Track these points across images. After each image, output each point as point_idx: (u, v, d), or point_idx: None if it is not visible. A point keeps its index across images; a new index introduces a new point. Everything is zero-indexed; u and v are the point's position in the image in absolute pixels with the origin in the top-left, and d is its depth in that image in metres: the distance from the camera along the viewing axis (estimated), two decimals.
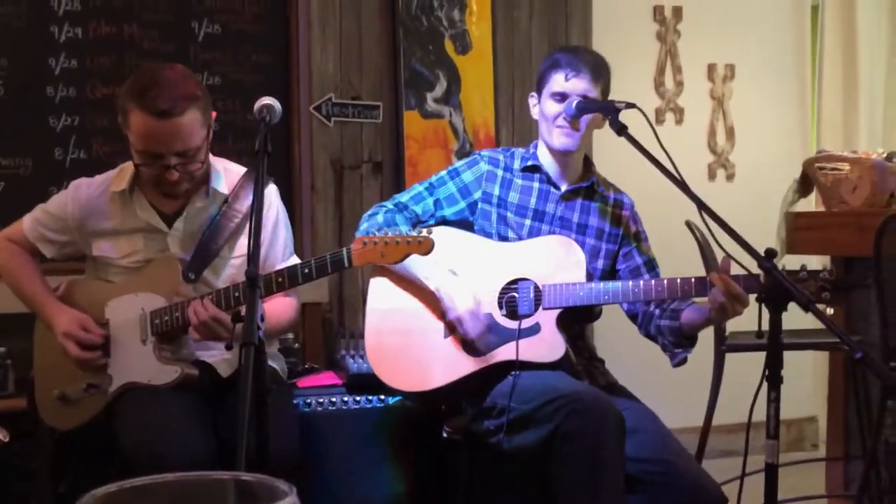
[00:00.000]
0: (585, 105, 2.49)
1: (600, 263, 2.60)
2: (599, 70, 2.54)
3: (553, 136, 2.55)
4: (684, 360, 2.50)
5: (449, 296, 2.45)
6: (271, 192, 2.56)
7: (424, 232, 2.20)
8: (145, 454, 2.14)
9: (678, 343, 2.47)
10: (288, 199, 3.67)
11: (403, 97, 3.84)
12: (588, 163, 2.68)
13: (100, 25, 3.51)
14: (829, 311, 2.14)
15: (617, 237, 2.63)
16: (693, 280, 2.32)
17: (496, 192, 2.61)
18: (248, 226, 2.43)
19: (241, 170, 2.58)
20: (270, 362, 2.46)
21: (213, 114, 2.42)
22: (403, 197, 2.65)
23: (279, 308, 2.53)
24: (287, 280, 2.29)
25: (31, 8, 3.43)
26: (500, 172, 2.63)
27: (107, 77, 3.48)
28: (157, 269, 2.44)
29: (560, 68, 2.52)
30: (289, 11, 3.72)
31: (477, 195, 2.62)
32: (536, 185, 2.62)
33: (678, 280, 2.33)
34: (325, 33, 3.77)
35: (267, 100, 2.12)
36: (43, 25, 3.44)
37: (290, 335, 3.33)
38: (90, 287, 2.53)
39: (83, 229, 2.50)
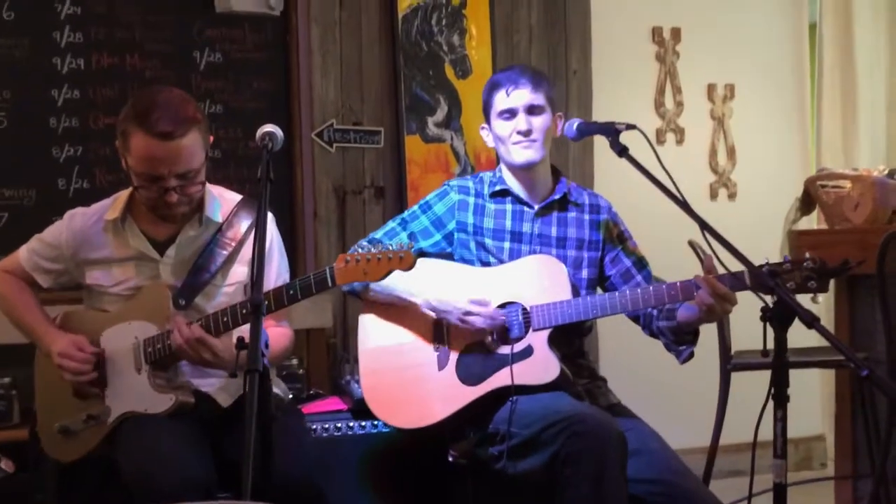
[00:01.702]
0: (586, 127, 2.50)
1: (585, 273, 2.59)
2: (538, 79, 2.58)
3: (513, 154, 2.55)
4: (691, 356, 2.49)
5: (441, 302, 2.44)
6: (266, 220, 2.56)
7: (406, 248, 2.19)
8: (143, 480, 2.13)
9: (680, 340, 2.46)
10: (290, 225, 3.70)
11: (404, 122, 3.85)
12: (556, 173, 2.68)
13: (102, 56, 3.53)
14: (820, 299, 2.13)
15: (598, 244, 2.62)
16: (679, 284, 2.33)
17: (470, 220, 2.62)
18: (240, 253, 2.47)
19: (237, 197, 2.58)
20: (275, 390, 2.46)
21: (211, 138, 2.44)
22: (378, 233, 2.66)
23: (273, 338, 2.53)
24: (273, 302, 2.28)
25: (33, 40, 3.45)
26: (471, 200, 2.63)
27: (109, 107, 3.50)
28: (147, 297, 2.44)
29: (500, 87, 2.56)
30: (289, 39, 3.74)
31: (451, 226, 2.62)
32: (509, 206, 2.62)
33: (664, 286, 2.34)
34: (326, 60, 3.80)
35: (269, 127, 2.14)
36: (46, 57, 3.47)
37: (294, 361, 3.33)
38: (85, 317, 2.53)
39: (76, 258, 2.51)
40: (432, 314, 2.49)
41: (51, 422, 2.47)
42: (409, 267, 2.19)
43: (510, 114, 2.54)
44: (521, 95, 2.53)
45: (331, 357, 3.66)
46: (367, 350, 2.57)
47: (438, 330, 2.53)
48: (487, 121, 2.63)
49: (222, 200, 2.55)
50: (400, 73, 3.85)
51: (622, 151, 2.34)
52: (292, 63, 3.74)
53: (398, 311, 2.56)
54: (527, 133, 2.52)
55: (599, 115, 4.02)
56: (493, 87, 2.58)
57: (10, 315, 2.56)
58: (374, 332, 2.58)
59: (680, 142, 4.41)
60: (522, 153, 2.54)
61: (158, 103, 2.32)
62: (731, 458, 3.76)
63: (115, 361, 2.42)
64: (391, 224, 2.68)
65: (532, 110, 2.54)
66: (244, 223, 2.50)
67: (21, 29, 3.44)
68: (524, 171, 2.59)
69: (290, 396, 3.00)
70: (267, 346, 1.84)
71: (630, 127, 2.39)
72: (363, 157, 3.84)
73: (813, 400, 4.47)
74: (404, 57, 3.86)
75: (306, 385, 3.39)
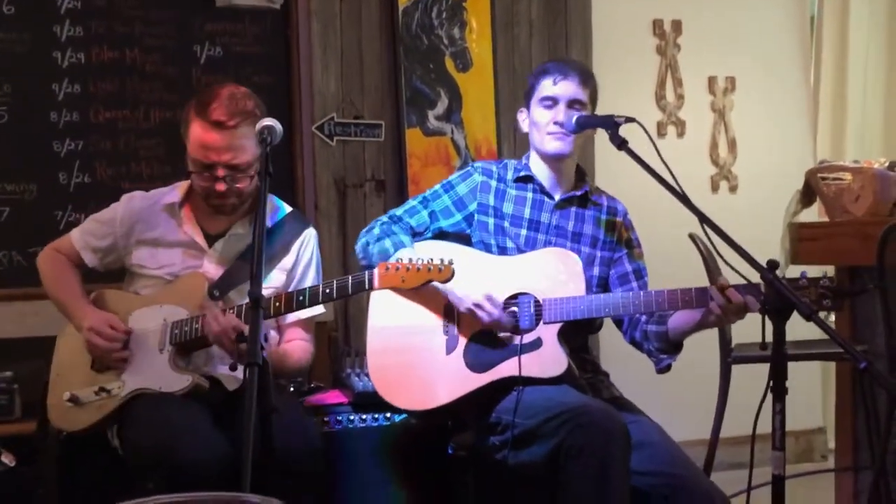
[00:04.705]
0: (585, 120, 2.51)
1: (596, 271, 2.60)
2: (587, 76, 2.61)
3: (545, 143, 2.56)
4: (668, 368, 2.51)
5: (457, 290, 2.45)
6: (310, 235, 2.67)
7: (446, 261, 2.27)
8: (167, 454, 2.16)
9: (663, 349, 2.47)
10: None
11: (405, 115, 3.85)
12: (581, 172, 2.69)
13: (102, 51, 3.53)
14: (832, 318, 2.14)
15: (612, 244, 2.63)
16: (693, 290, 2.32)
17: (491, 202, 2.63)
18: (281, 262, 2.57)
19: (288, 209, 2.67)
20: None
21: None
22: (398, 210, 2.68)
23: (297, 349, 2.61)
24: (308, 299, 2.36)
25: (34, 34, 3.45)
26: (493, 183, 2.65)
27: (110, 101, 3.50)
28: (183, 284, 2.51)
29: (548, 74, 2.58)
30: (289, 32, 3.74)
31: (472, 207, 2.63)
32: (530, 195, 2.63)
33: (679, 291, 2.33)
34: (326, 53, 3.80)
35: (268, 121, 2.16)
36: (46, 51, 3.47)
37: None
38: (118, 297, 2.59)
39: (128, 235, 2.58)
40: (447, 296, 2.49)
41: (61, 390, 2.50)
42: (447, 279, 2.29)
43: (552, 102, 2.55)
44: (566, 87, 2.55)
45: (332, 350, 3.66)
46: (375, 328, 2.57)
47: (449, 314, 2.53)
48: (527, 105, 2.64)
49: (272, 207, 2.63)
50: (400, 66, 3.85)
51: (622, 144, 2.35)
52: (293, 57, 3.74)
53: (410, 291, 2.56)
54: (563, 125, 2.53)
55: (600, 107, 3.98)
56: (541, 74, 2.60)
57: (49, 289, 2.62)
58: (384, 312, 2.58)
59: (681, 134, 4.41)
60: (554, 143, 2.55)
61: (219, 95, 2.45)
62: (732, 451, 3.77)
63: (140, 340, 2.47)
64: (412, 202, 2.69)
65: (573, 104, 2.55)
66: (290, 235, 2.60)
67: (21, 23, 3.44)
68: (552, 161, 2.61)
69: (292, 389, 3.02)
70: (266, 339, 1.85)
71: (629, 120, 2.39)
72: (364, 151, 3.84)
73: (814, 392, 4.47)
74: (405, 50, 3.86)
75: (308, 378, 3.39)
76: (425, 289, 2.51)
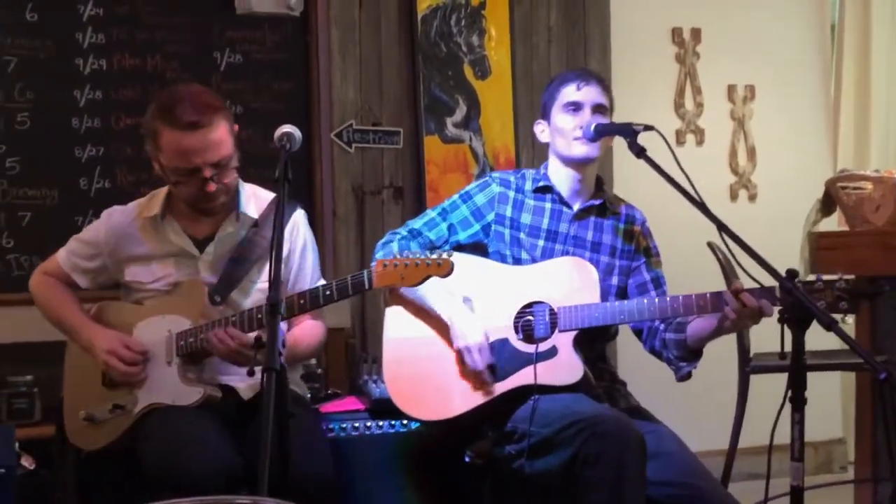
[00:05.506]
0: (604, 127, 2.51)
1: (615, 280, 2.59)
2: (605, 84, 2.64)
3: (573, 148, 2.55)
4: (688, 375, 2.49)
5: (459, 326, 2.46)
6: (299, 217, 2.62)
7: (444, 255, 2.22)
8: (178, 468, 2.15)
9: (683, 357, 2.46)
10: (310, 225, 3.70)
11: (423, 122, 3.86)
12: (599, 181, 2.69)
13: (124, 58, 3.56)
14: (849, 320, 2.12)
15: (630, 253, 2.63)
16: (709, 296, 2.31)
17: (508, 213, 2.62)
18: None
19: (269, 195, 2.62)
20: (293, 387, 2.48)
21: (236, 127, 2.49)
22: (417, 223, 2.66)
23: (308, 331, 2.58)
24: (309, 302, 2.32)
25: (56, 41, 3.49)
26: (511, 194, 2.64)
27: (131, 108, 3.53)
28: (183, 292, 2.49)
29: (570, 81, 2.59)
30: (309, 40, 3.76)
31: (490, 217, 2.63)
32: (548, 205, 2.63)
33: (693, 296, 2.32)
34: (346, 61, 3.81)
35: (287, 128, 2.16)
36: (68, 58, 3.50)
37: (314, 361, 3.35)
38: (120, 310, 2.58)
39: (115, 255, 2.56)
40: (451, 327, 2.49)
41: (77, 409, 2.50)
42: (446, 274, 2.23)
43: (576, 107, 2.55)
44: (590, 92, 2.56)
45: (349, 357, 3.67)
46: (391, 339, 2.58)
47: None
48: (546, 115, 2.64)
49: (256, 198, 2.59)
50: (419, 73, 3.86)
51: (640, 152, 2.34)
52: (312, 64, 3.76)
53: (424, 306, 2.57)
54: (582, 132, 2.53)
55: (619, 115, 3.94)
56: (561, 82, 2.61)
57: (48, 314, 2.60)
58: (399, 324, 2.58)
59: (700, 143, 4.39)
60: (582, 147, 2.54)
61: (180, 97, 2.39)
62: (750, 461, 3.74)
63: (148, 353, 2.45)
64: (431, 213, 2.68)
65: (598, 109, 2.56)
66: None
67: (44, 30, 3.48)
68: (576, 167, 2.59)
69: (309, 396, 3.02)
70: (284, 345, 1.85)
71: (648, 128, 2.39)
72: (382, 158, 3.85)
73: (834, 403, 4.44)
74: (423, 57, 3.87)
75: (324, 385, 3.40)
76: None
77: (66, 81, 3.50)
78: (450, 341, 2.50)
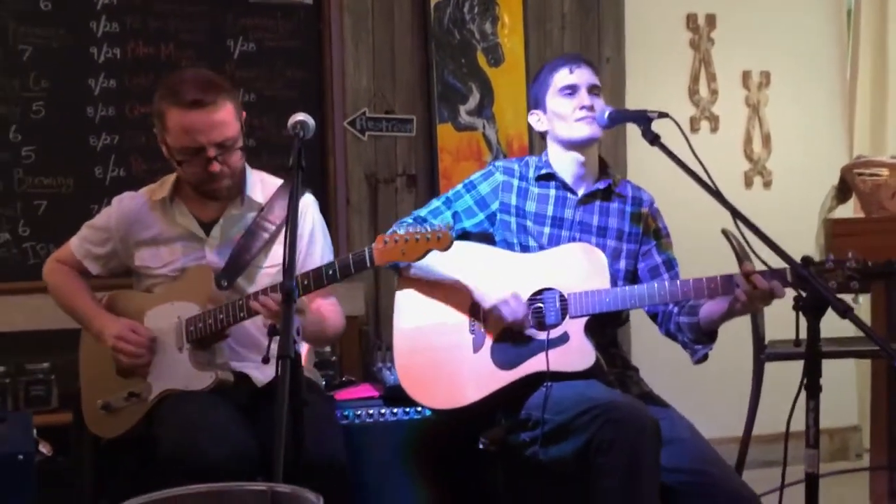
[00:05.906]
0: (618, 114, 2.50)
1: (623, 264, 2.59)
2: (595, 66, 2.64)
3: (575, 130, 2.55)
4: (705, 357, 2.48)
5: (483, 288, 2.45)
6: (308, 202, 2.62)
7: (444, 227, 2.22)
8: (194, 453, 2.17)
9: (697, 339, 2.45)
10: (323, 213, 3.67)
11: (436, 110, 3.86)
12: (604, 163, 2.68)
13: (138, 46, 3.57)
14: (860, 299, 2.10)
15: (637, 236, 2.62)
16: (719, 278, 2.30)
17: (513, 201, 2.62)
18: (281, 235, 2.51)
19: (278, 181, 2.64)
20: (307, 374, 2.49)
21: (244, 114, 2.51)
22: (422, 212, 2.67)
23: (326, 311, 2.58)
24: (312, 282, 2.32)
25: (70, 30, 3.50)
26: (515, 182, 2.64)
27: (145, 96, 3.53)
28: (191, 278, 2.51)
29: (560, 66, 2.59)
30: (322, 27, 3.76)
31: (495, 206, 2.62)
32: (553, 192, 2.62)
33: (704, 280, 2.32)
34: (359, 48, 3.81)
35: (300, 115, 2.16)
36: (82, 47, 3.52)
37: (328, 348, 3.36)
38: (130, 298, 2.60)
39: (126, 239, 2.58)
40: (472, 293, 2.49)
41: (94, 398, 2.54)
42: (446, 247, 2.21)
43: (573, 90, 2.55)
44: (583, 74, 2.57)
45: (363, 344, 3.68)
46: (402, 329, 2.58)
47: (475, 312, 2.53)
48: (540, 105, 2.63)
49: (263, 184, 2.61)
50: (432, 61, 3.85)
51: (654, 139, 2.33)
52: (325, 52, 3.76)
53: (435, 290, 2.57)
54: (591, 108, 2.53)
55: (633, 102, 3.99)
56: (552, 69, 2.61)
57: (61, 302, 2.63)
58: (410, 311, 2.59)
59: (714, 129, 4.37)
60: (586, 128, 2.54)
61: (185, 78, 2.43)
62: (765, 449, 3.74)
63: (159, 340, 2.48)
64: (436, 202, 2.69)
65: (593, 89, 2.57)
66: (286, 206, 2.54)
67: (58, 19, 3.49)
68: (580, 150, 2.58)
69: (324, 383, 3.03)
70: (299, 332, 1.86)
71: (662, 115, 2.37)
72: (395, 146, 3.85)
73: (849, 390, 4.42)
74: (436, 45, 3.86)
75: (338, 372, 3.42)
76: (451, 287, 2.52)
77: (81, 70, 3.52)
78: (463, 326, 2.51)
